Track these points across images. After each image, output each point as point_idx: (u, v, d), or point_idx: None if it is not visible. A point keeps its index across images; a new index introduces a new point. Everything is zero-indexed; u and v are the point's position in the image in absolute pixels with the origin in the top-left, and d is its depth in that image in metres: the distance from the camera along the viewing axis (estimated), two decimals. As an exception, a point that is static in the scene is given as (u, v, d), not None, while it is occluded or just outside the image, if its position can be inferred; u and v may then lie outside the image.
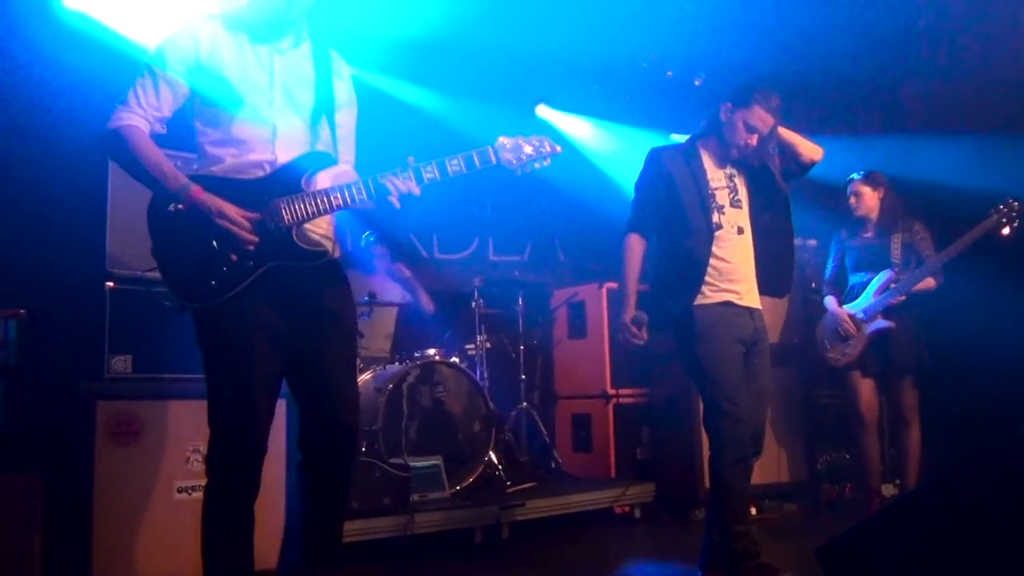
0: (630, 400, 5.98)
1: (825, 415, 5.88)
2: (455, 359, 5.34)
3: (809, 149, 3.76)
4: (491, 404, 5.31)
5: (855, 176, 5.16)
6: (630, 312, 3.75)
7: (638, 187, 3.80)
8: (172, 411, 3.69)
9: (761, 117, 3.60)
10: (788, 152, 3.75)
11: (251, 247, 2.58)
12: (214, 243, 2.58)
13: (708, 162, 3.75)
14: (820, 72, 5.77)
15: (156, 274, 3.71)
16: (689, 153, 3.77)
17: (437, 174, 2.64)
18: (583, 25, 5.74)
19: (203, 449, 3.77)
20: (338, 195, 2.64)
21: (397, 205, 2.62)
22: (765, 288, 3.77)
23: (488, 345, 5.90)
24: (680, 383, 5.38)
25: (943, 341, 5.01)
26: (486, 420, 5.25)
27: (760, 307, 3.75)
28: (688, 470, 5.29)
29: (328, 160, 2.73)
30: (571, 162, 6.65)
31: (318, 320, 2.69)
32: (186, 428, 3.68)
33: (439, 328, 6.06)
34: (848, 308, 5.08)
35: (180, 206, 2.56)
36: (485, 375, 5.76)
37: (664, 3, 5.61)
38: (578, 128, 6.98)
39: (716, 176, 3.73)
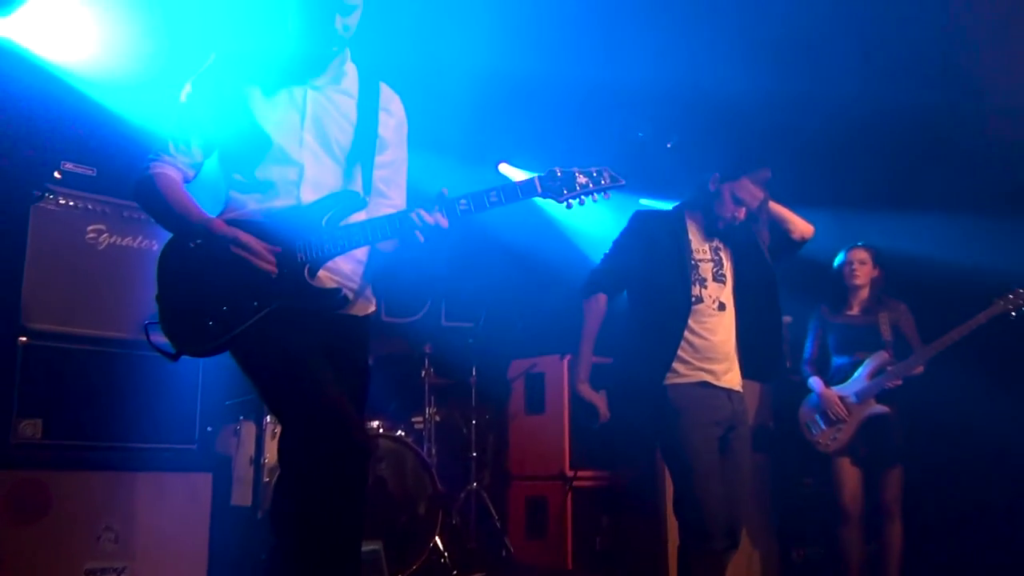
0: (590, 483, 5.94)
1: (800, 505, 5.87)
2: (400, 433, 5.29)
3: (801, 225, 3.83)
4: (438, 484, 5.27)
5: (858, 244, 5.27)
6: (585, 380, 3.75)
7: (616, 245, 3.84)
8: (85, 483, 3.63)
9: (750, 191, 3.67)
10: (779, 228, 3.81)
11: (269, 276, 2.54)
12: (222, 278, 2.55)
13: (694, 232, 3.80)
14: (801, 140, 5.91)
15: (76, 329, 3.66)
16: (675, 221, 3.82)
17: (472, 206, 2.61)
18: (549, 80, 5.84)
19: (116, 526, 3.73)
20: (358, 231, 2.63)
21: (420, 238, 2.58)
22: (750, 371, 3.78)
23: (437, 418, 5.84)
24: (646, 465, 5.36)
25: (922, 430, 5.09)
26: (432, 501, 5.20)
27: (740, 390, 3.77)
28: (653, 562, 5.24)
29: (355, 200, 2.70)
30: (534, 225, 6.73)
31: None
32: (99, 502, 3.63)
33: (383, 398, 5.99)
34: (838, 390, 5.12)
35: (200, 241, 2.57)
36: (433, 451, 5.70)
37: (634, 63, 5.72)
38: None
39: (701, 248, 3.78)
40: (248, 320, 2.55)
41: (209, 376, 4.34)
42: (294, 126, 2.74)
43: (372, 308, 2.87)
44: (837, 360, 5.20)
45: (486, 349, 6.46)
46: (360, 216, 2.75)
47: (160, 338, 2.60)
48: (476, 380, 6.22)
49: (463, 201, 2.63)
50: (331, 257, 2.66)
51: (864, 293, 5.21)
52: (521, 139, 6.68)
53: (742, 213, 3.70)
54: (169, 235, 2.69)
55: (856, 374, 5.07)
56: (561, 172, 2.71)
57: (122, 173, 3.09)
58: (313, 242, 2.61)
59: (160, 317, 2.60)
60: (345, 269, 2.77)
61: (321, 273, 2.67)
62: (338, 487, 2.46)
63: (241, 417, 5.17)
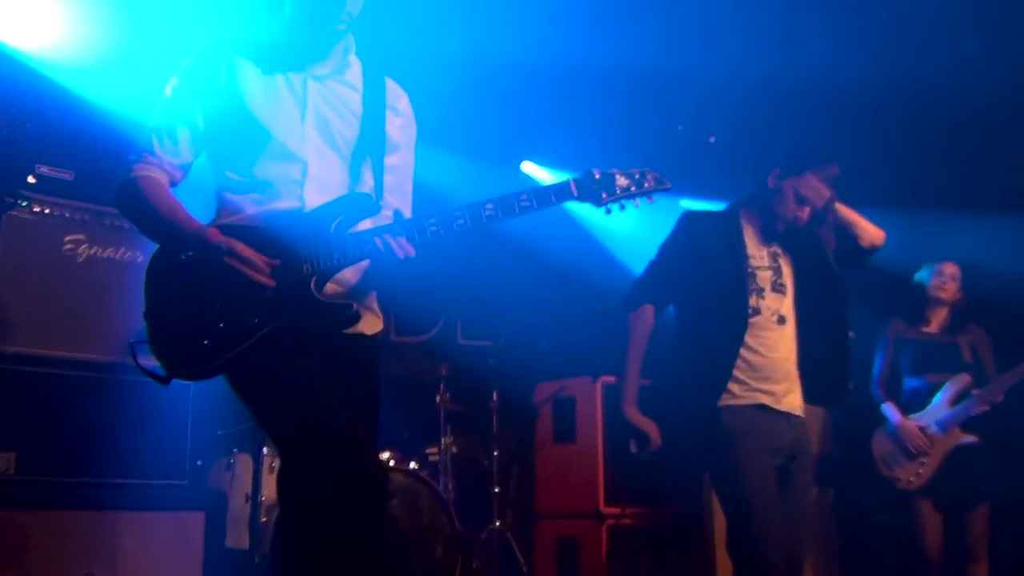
0: (628, 521, 5.93)
1: (869, 545, 5.82)
2: (413, 466, 5.28)
3: (871, 231, 3.81)
4: (457, 523, 5.24)
5: (948, 259, 5.27)
6: (633, 402, 3.74)
7: (663, 250, 3.83)
8: (64, 523, 3.65)
9: (815, 188, 3.66)
10: (846, 234, 3.80)
11: (267, 290, 2.54)
12: (218, 293, 2.54)
13: (750, 236, 3.79)
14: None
15: (51, 351, 3.66)
16: (729, 223, 3.81)
17: (499, 212, 2.61)
18: (575, 70, 5.88)
19: (98, 572, 3.72)
20: (369, 240, 2.61)
21: (411, 253, 2.59)
22: (813, 395, 3.76)
23: (454, 449, 5.83)
24: (693, 500, 5.34)
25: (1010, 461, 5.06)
26: (451, 543, 5.17)
27: (802, 414, 3.74)
28: (701, 611, 5.24)
29: (368, 203, 2.70)
30: (561, 229, 6.73)
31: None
32: (79, 544, 3.64)
33: (394, 427, 5.97)
34: (916, 419, 5.08)
35: (191, 252, 2.56)
36: (450, 486, 5.69)
37: (672, 47, 5.73)
38: None
39: (758, 253, 3.76)
40: (248, 339, 2.53)
41: (201, 403, 4.37)
42: (293, 118, 2.73)
43: (381, 326, 2.87)
44: (910, 382, 5.19)
45: (508, 370, 6.45)
46: (367, 224, 2.74)
47: (149, 360, 2.61)
48: (497, 405, 6.20)
49: (489, 206, 2.61)
50: (341, 268, 2.66)
51: (945, 311, 5.21)
52: (546, 135, 6.72)
53: (806, 213, 3.68)
54: (156, 245, 2.70)
55: (935, 400, 5.04)
56: (600, 174, 2.72)
57: (103, 177, 3.11)
58: (321, 251, 2.59)
59: (149, 336, 2.59)
60: (351, 280, 2.76)
61: (329, 286, 2.67)
62: (350, 528, 2.43)
63: (235, 449, 5.18)
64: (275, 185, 2.69)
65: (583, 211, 6.90)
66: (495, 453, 6.11)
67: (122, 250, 4.17)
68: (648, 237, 4.12)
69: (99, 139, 4.37)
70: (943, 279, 5.21)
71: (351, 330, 2.70)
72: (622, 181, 2.74)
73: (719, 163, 6.23)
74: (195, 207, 2.72)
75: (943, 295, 5.20)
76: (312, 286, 2.60)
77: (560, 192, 2.67)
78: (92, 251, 4.11)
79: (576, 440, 6.22)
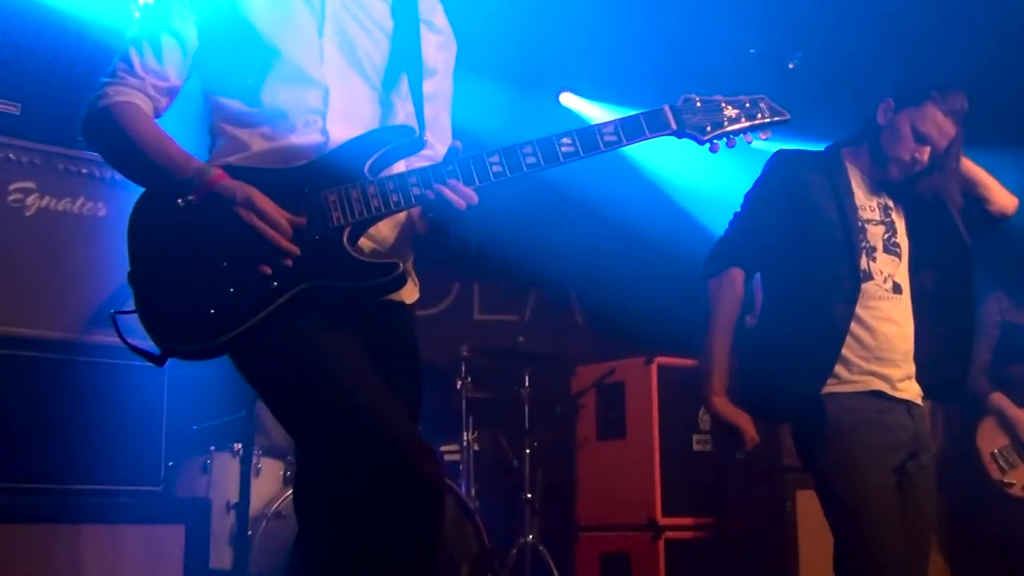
0: (690, 534, 5.96)
1: (984, 563, 5.80)
2: (431, 467, 5.25)
3: (1002, 197, 3.79)
4: (485, 537, 5.26)
5: None
6: (721, 391, 3.68)
7: (752, 201, 3.77)
8: (16, 539, 3.64)
9: (937, 122, 3.59)
10: (972, 196, 3.77)
11: (287, 260, 2.47)
12: (227, 250, 2.47)
13: (857, 182, 3.73)
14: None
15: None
16: (831, 165, 3.75)
17: (580, 148, 2.60)
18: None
19: None
20: (416, 182, 2.57)
21: (473, 199, 2.56)
22: (926, 386, 3.71)
23: (477, 447, 5.86)
24: (769, 508, 5.32)
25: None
26: (479, 561, 5.21)
27: (921, 403, 3.69)
28: (784, 643, 5.24)
29: (409, 137, 2.65)
30: (603, 170, 6.72)
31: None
32: (35, 563, 3.65)
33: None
34: None
35: (191, 198, 2.48)
36: (474, 492, 5.71)
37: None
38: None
39: (868, 204, 3.71)
40: (266, 307, 2.46)
41: (176, 390, 4.31)
42: (308, 33, 2.69)
43: (418, 294, 2.85)
44: (1015, 370, 5.21)
45: (541, 351, 6.45)
46: (420, 164, 2.66)
47: (135, 338, 2.55)
48: (530, 393, 6.19)
49: (566, 140, 2.57)
50: (380, 219, 2.58)
51: None
52: (588, 62, 6.70)
53: (925, 155, 3.61)
54: (132, 193, 2.60)
55: None
56: (701, 100, 2.71)
57: (58, 110, 3.04)
58: (354, 196, 2.54)
59: (136, 305, 2.51)
60: (387, 237, 2.73)
61: (362, 241, 2.59)
62: (397, 549, 2.40)
63: (212, 448, 5.15)
64: (290, 115, 2.64)
65: (640, 154, 6.94)
66: (527, 451, 6.10)
67: (81, 200, 4.08)
68: (722, 186, 4.06)
69: (53, 62, 4.31)
70: None
71: (391, 297, 2.66)
72: (730, 111, 2.71)
73: (805, 95, 6.15)
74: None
75: None
76: (345, 240, 2.52)
77: (654, 122, 2.64)
78: (44, 202, 4.02)
79: (626, 435, 6.24)
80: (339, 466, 2.40)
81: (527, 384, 6.18)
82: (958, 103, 3.60)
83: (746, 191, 3.80)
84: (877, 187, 3.73)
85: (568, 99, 7.08)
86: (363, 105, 2.71)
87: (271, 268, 2.46)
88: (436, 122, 2.84)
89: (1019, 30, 5.76)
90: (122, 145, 2.58)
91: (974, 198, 3.77)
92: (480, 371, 6.08)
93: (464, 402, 5.89)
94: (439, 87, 2.87)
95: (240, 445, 4.91)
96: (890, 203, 3.74)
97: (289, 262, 2.46)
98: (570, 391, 6.56)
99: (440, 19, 2.90)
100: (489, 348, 6.35)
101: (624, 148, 2.64)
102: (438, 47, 2.87)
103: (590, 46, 6.48)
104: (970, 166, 3.75)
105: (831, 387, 3.55)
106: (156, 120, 2.66)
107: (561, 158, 2.57)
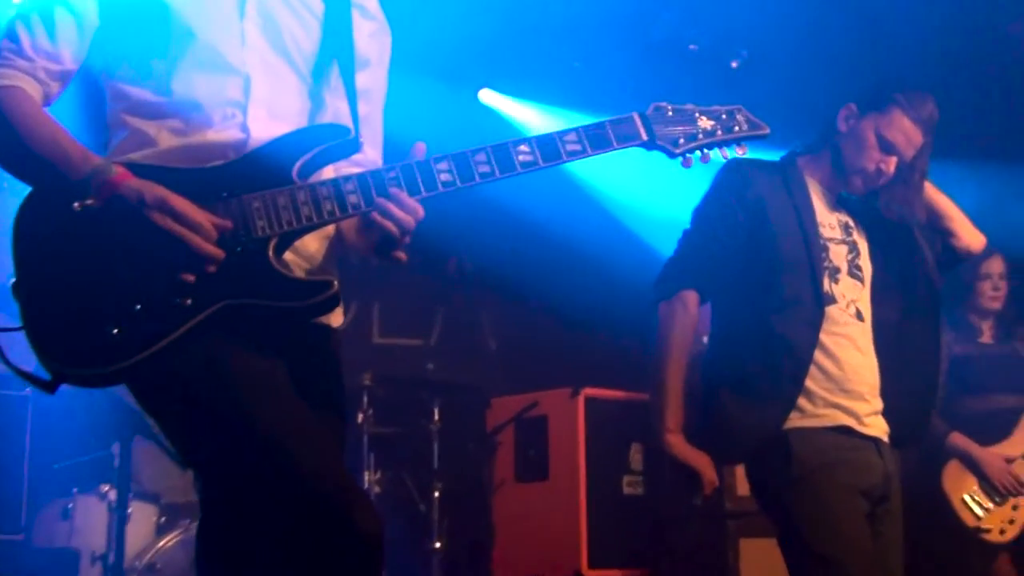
0: (622, 589, 5.93)
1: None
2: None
3: (970, 233, 3.83)
4: None
5: (992, 249, 5.27)
6: (675, 427, 3.62)
7: (703, 216, 3.76)
8: None
9: (904, 130, 3.62)
10: (936, 227, 3.80)
11: (211, 266, 2.41)
12: (133, 260, 2.41)
13: (817, 196, 3.75)
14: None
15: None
16: (788, 176, 3.75)
17: (538, 157, 2.61)
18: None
19: None
20: (354, 189, 2.52)
21: (420, 215, 2.52)
22: (890, 428, 3.72)
23: (379, 489, 5.85)
24: (712, 558, 5.32)
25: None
26: None
27: (887, 439, 3.69)
28: None
29: (343, 138, 2.60)
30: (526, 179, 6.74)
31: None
32: None
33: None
34: (998, 449, 5.16)
35: (90, 201, 2.40)
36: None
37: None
38: (536, 120, 7.22)
39: (827, 221, 3.73)
40: (178, 327, 2.40)
41: (39, 421, 4.21)
42: (227, 12, 2.65)
43: (343, 316, 2.83)
44: (971, 404, 5.28)
45: (453, 380, 6.44)
46: (349, 169, 2.63)
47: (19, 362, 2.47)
48: (439, 428, 6.15)
49: (523, 148, 2.57)
50: (310, 230, 2.54)
51: (995, 312, 5.40)
52: (511, 56, 6.73)
53: (891, 165, 3.63)
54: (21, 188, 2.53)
55: (1021, 424, 5.17)
56: (673, 110, 2.73)
57: None
58: (281, 204, 2.49)
59: (24, 322, 2.42)
60: (315, 251, 2.69)
61: (288, 255, 2.55)
62: None
63: (75, 490, 5.06)
64: (205, 107, 2.58)
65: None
66: (436, 495, 6.06)
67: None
68: (656, 194, 4.06)
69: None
70: (993, 283, 5.38)
71: (318, 320, 2.63)
72: (705, 122, 2.74)
73: (750, 97, 6.21)
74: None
75: (995, 304, 5.40)
76: (270, 253, 2.48)
77: (622, 131, 2.65)
78: None
79: (549, 477, 6.21)
80: (261, 517, 2.36)
81: (436, 418, 6.14)
82: (927, 110, 3.62)
83: (695, 206, 3.79)
84: (837, 202, 3.75)
85: (488, 96, 7.14)
86: (290, 98, 2.69)
87: (194, 276, 2.40)
88: (367, 122, 2.81)
89: (983, 29, 5.90)
90: (6, 137, 2.51)
91: (940, 232, 3.80)
92: (383, 403, 6.05)
93: (365, 438, 5.85)
94: (373, 81, 2.85)
95: (108, 487, 4.83)
96: (850, 221, 3.76)
97: (213, 268, 2.41)
98: (485, 426, 6.52)
99: (373, 4, 2.87)
100: (393, 376, 6.30)
101: (589, 156, 2.64)
102: (371, 35, 2.85)
103: (512, 39, 6.50)
104: (936, 196, 3.79)
105: (794, 422, 3.53)
106: (46, 106, 2.59)
107: (518, 167, 2.57)
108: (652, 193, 6.46)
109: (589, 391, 6.14)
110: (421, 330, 7.46)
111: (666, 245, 3.85)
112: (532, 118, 7.32)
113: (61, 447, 5.05)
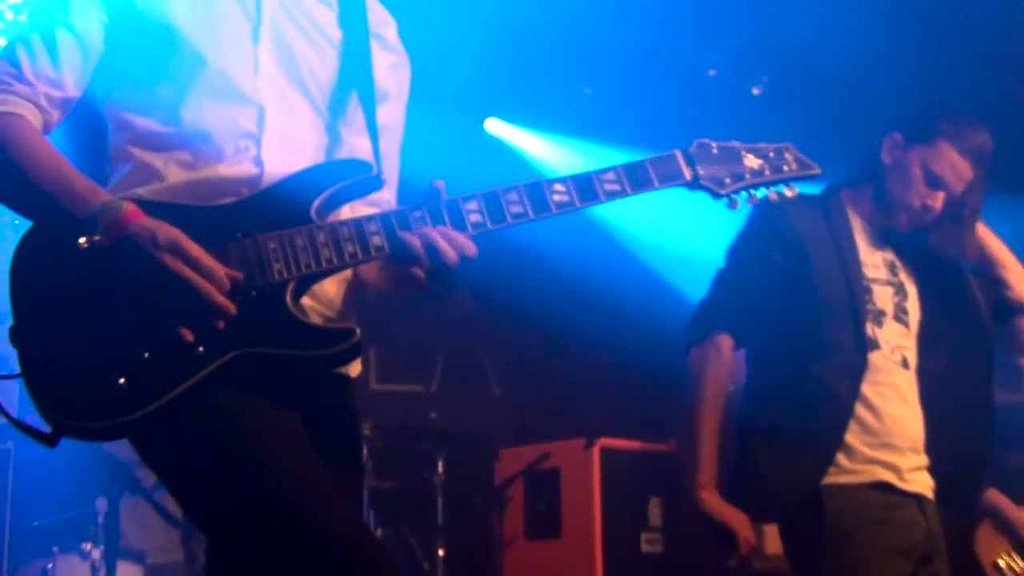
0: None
1: None
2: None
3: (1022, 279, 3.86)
4: None
5: None
6: (709, 482, 3.68)
7: (738, 254, 3.81)
8: None
9: (952, 163, 3.65)
10: (988, 274, 3.84)
11: (220, 322, 2.43)
12: (140, 304, 2.42)
13: (860, 233, 3.79)
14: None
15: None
16: (830, 211, 3.79)
17: (575, 197, 2.59)
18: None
19: None
20: (378, 230, 2.52)
21: (472, 252, 2.52)
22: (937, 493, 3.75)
23: None
24: None
25: None
26: None
27: (932, 496, 3.74)
28: None
29: (364, 174, 2.62)
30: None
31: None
32: None
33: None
34: None
35: (97, 238, 2.41)
36: (376, 604, 5.65)
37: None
38: (543, 150, 7.32)
39: (871, 260, 3.77)
40: (189, 378, 2.40)
41: (20, 475, 4.23)
42: (241, 38, 2.67)
43: (360, 366, 2.83)
44: (1009, 459, 5.26)
45: (458, 430, 6.44)
46: (364, 209, 2.65)
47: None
48: (444, 482, 6.17)
49: (558, 187, 2.56)
50: (329, 274, 2.56)
51: None
52: (518, 84, 6.79)
53: (938, 201, 3.67)
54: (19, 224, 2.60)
55: None
56: (718, 147, 2.72)
57: None
58: (299, 245, 2.50)
59: (23, 369, 2.42)
60: (334, 296, 2.71)
61: (306, 300, 2.57)
62: None
63: (56, 549, 5.02)
64: (216, 139, 2.59)
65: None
66: (441, 554, 6.07)
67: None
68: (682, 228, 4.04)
69: None
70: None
71: (337, 369, 2.65)
72: (752, 161, 2.73)
73: (773, 126, 6.27)
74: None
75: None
76: (288, 298, 2.50)
77: (664, 170, 2.65)
78: None
79: (562, 534, 6.20)
80: (267, 572, 2.37)
81: (440, 470, 6.16)
82: (978, 141, 3.66)
83: (729, 243, 3.82)
84: (881, 239, 3.77)
85: (494, 125, 7.21)
86: (306, 131, 2.70)
87: (197, 330, 2.39)
88: (389, 153, 2.84)
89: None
90: (5, 169, 2.50)
91: (991, 279, 3.83)
92: (382, 454, 6.04)
93: (365, 492, 5.82)
94: (391, 116, 2.87)
95: (91, 545, 4.83)
96: (897, 260, 3.78)
97: (222, 324, 2.40)
98: (493, 479, 6.51)
99: (392, 35, 2.90)
100: (393, 425, 6.29)
101: (629, 197, 2.63)
102: (390, 67, 2.88)
103: (519, 66, 6.58)
104: (989, 240, 3.82)
105: (831, 478, 3.57)
106: (46, 134, 2.59)
107: (553, 208, 2.56)
108: (677, 227, 6.46)
109: (605, 441, 6.14)
110: (421, 375, 7.42)
111: (692, 285, 3.89)
112: (541, 148, 7.38)
113: (41, 503, 5.04)
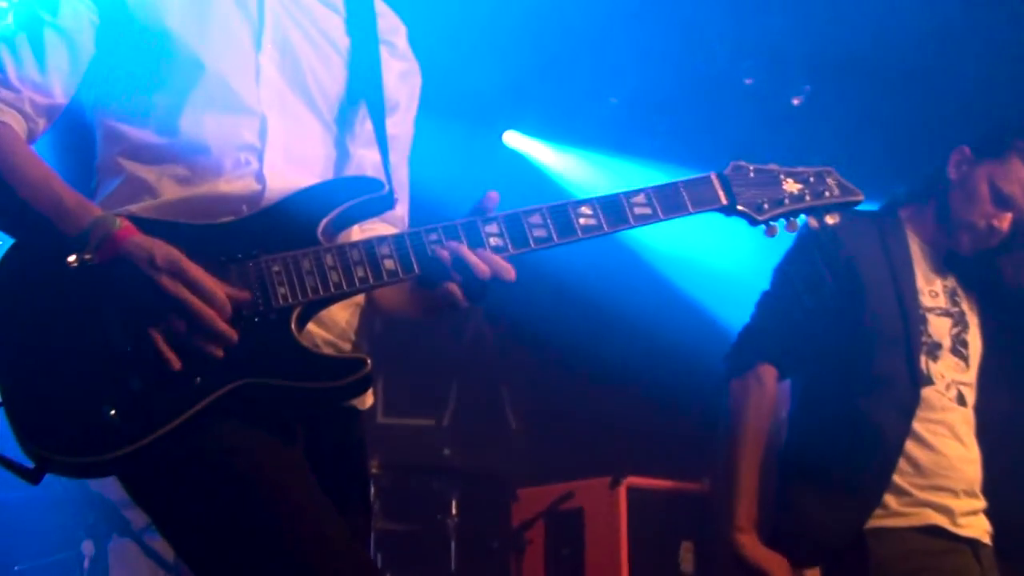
0: None
1: None
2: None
3: None
4: None
5: None
6: (747, 524, 3.66)
7: (783, 277, 3.81)
8: None
9: None
10: None
11: (219, 350, 2.41)
12: (134, 333, 2.39)
13: (918, 256, 3.79)
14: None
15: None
16: (887, 231, 3.79)
17: (603, 221, 2.59)
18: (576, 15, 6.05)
19: None
20: (390, 253, 2.51)
21: (510, 276, 2.53)
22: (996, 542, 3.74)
23: None
24: None
25: None
26: None
27: (990, 542, 3.73)
28: None
29: (377, 193, 2.62)
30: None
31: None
32: None
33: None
34: None
35: (88, 256, 2.40)
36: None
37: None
38: (564, 165, 7.39)
39: (929, 287, 3.77)
40: (185, 410, 2.38)
41: (4, 514, 4.23)
42: (241, 43, 2.67)
43: (372, 398, 2.83)
44: None
45: (472, 468, 6.50)
46: (377, 228, 2.68)
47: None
48: (458, 524, 6.16)
49: (585, 210, 2.56)
50: (337, 300, 2.55)
51: None
52: (539, 95, 6.86)
53: (1005, 222, 3.68)
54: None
55: None
56: (755, 170, 2.74)
57: None
58: (305, 268, 2.49)
59: (3, 397, 2.40)
60: (343, 323, 2.71)
61: (312, 327, 2.57)
62: None
63: None
64: (215, 152, 2.59)
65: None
66: (456, 602, 6.06)
67: None
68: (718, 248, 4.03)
69: None
70: None
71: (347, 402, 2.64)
72: (791, 185, 2.74)
73: (816, 140, 6.28)
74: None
75: None
76: (293, 325, 2.49)
77: (698, 194, 2.66)
78: None
79: (588, 578, 6.14)
80: None
81: (454, 512, 6.15)
82: None
83: (776, 264, 3.82)
84: (942, 263, 3.77)
85: (512, 138, 7.27)
86: (311, 144, 2.71)
87: (195, 359, 2.37)
88: (394, 173, 2.82)
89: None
90: None
91: None
92: (391, 494, 6.06)
93: (372, 535, 5.82)
94: (400, 128, 2.89)
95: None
96: (958, 288, 3.78)
97: (221, 352, 2.38)
98: (511, 521, 6.46)
99: (402, 42, 2.92)
100: (402, 462, 6.30)
101: (660, 222, 2.63)
102: (400, 76, 2.89)
103: (541, 76, 6.62)
104: None
105: (878, 521, 3.58)
106: (31, 143, 2.57)
107: (579, 232, 2.57)
108: (714, 244, 6.43)
109: (632, 480, 6.09)
110: (433, 408, 7.46)
111: (733, 309, 3.87)
112: (562, 163, 7.45)
113: (24, 545, 5.03)
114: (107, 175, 2.66)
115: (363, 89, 2.78)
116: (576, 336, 7.07)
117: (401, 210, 2.85)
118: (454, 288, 2.48)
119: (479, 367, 7.57)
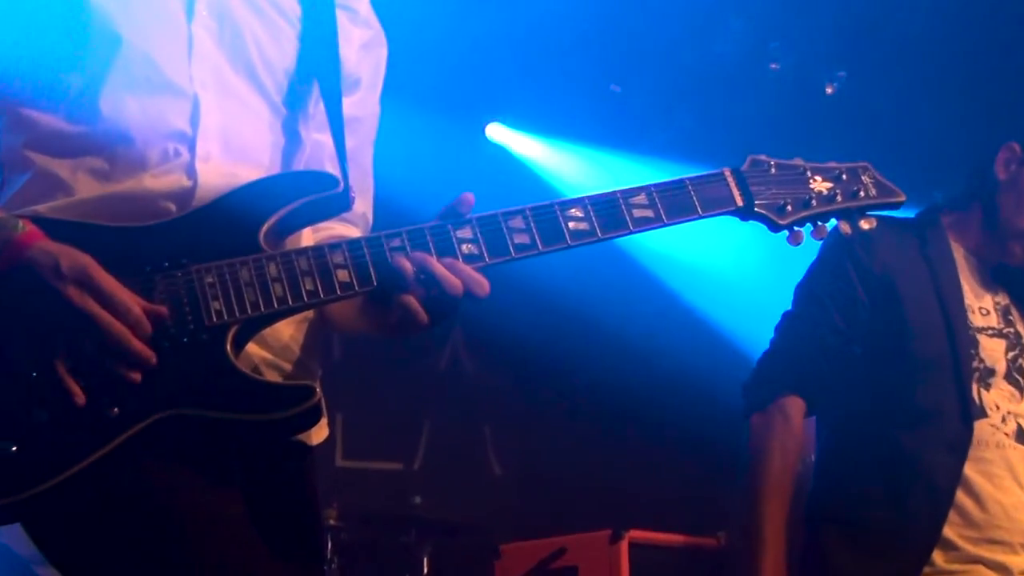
0: None
1: None
2: None
3: None
4: None
5: None
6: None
7: (809, 295, 3.81)
8: None
9: None
10: None
11: (135, 374, 2.39)
12: (40, 352, 2.36)
13: (964, 270, 3.80)
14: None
15: None
16: (929, 241, 3.80)
17: (596, 226, 2.57)
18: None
19: None
20: (344, 261, 2.49)
21: (484, 291, 2.50)
22: None
23: None
24: None
25: None
26: None
27: None
28: None
29: (330, 190, 2.60)
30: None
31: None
32: None
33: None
34: None
35: None
36: None
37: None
38: (553, 160, 7.51)
39: (979, 304, 3.77)
40: (99, 447, 2.37)
41: None
42: (171, 12, 2.66)
43: (326, 431, 2.82)
44: None
45: (447, 519, 6.44)
46: (334, 228, 2.69)
47: None
48: (434, 586, 6.17)
49: (575, 212, 2.54)
50: (280, 317, 2.54)
51: None
52: (526, 83, 6.94)
53: None
54: None
55: None
56: (777, 166, 2.71)
57: None
58: (244, 280, 2.49)
59: None
60: (289, 341, 2.70)
61: (252, 347, 2.57)
62: None
63: None
64: (138, 141, 2.58)
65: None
66: (432, 672, 6.07)
67: None
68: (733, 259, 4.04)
69: None
70: None
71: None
72: (819, 183, 2.72)
73: (850, 132, 6.33)
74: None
75: None
76: (228, 346, 2.49)
77: (708, 194, 2.64)
78: None
79: (583, 647, 6.14)
80: None
81: (426, 570, 6.16)
82: None
83: (799, 281, 3.83)
84: (992, 277, 3.78)
85: (496, 131, 7.37)
86: (256, 130, 2.71)
87: (109, 386, 2.36)
88: (354, 160, 2.82)
89: None
90: None
91: None
92: (353, 549, 6.08)
93: (337, 598, 5.85)
94: (362, 108, 2.89)
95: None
96: (1012, 306, 3.79)
97: (138, 376, 2.37)
98: (492, 578, 6.47)
99: (364, 7, 2.90)
100: (366, 513, 6.30)
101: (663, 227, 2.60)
102: (363, 47, 2.88)
103: (529, 62, 6.70)
104: None
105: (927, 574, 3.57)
106: None
107: (568, 238, 2.54)
108: (727, 257, 6.52)
109: (634, 534, 6.10)
110: (402, 450, 7.50)
111: (752, 332, 3.87)
112: (551, 157, 7.54)
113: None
114: (13, 170, 2.65)
115: (318, 63, 2.77)
116: (570, 365, 7.16)
117: (363, 206, 2.85)
118: (411, 302, 2.45)
119: (456, 401, 7.62)
